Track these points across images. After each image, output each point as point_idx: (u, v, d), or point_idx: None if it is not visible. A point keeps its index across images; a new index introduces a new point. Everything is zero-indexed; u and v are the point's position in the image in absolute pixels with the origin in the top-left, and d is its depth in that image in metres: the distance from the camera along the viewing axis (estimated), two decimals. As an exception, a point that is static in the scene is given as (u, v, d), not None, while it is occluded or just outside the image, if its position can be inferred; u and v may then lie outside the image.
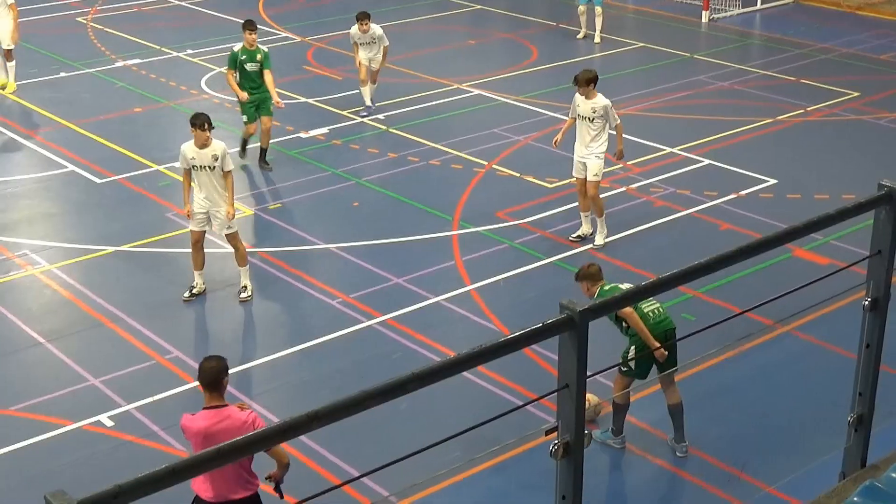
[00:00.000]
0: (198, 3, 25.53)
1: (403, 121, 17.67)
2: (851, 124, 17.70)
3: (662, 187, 15.19)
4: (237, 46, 16.09)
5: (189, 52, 21.68)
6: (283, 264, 13.16)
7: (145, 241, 13.75)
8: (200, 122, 12.23)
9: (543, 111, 18.21)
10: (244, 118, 15.99)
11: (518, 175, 15.64)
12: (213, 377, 7.32)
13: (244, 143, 16.21)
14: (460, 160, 16.19)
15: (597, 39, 22.47)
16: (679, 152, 16.43)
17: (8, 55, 19.47)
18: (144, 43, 22.34)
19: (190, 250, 12.44)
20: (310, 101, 18.82)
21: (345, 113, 18.12)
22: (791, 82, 19.64)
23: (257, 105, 15.87)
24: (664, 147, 16.60)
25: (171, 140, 17.16)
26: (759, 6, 25.00)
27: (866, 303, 5.54)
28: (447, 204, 14.69)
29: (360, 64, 17.87)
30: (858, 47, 21.86)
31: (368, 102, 18.02)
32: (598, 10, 22.35)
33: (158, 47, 22.01)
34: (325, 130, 17.39)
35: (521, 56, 21.41)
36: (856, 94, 18.96)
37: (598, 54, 21.55)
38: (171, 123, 17.99)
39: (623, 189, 15.13)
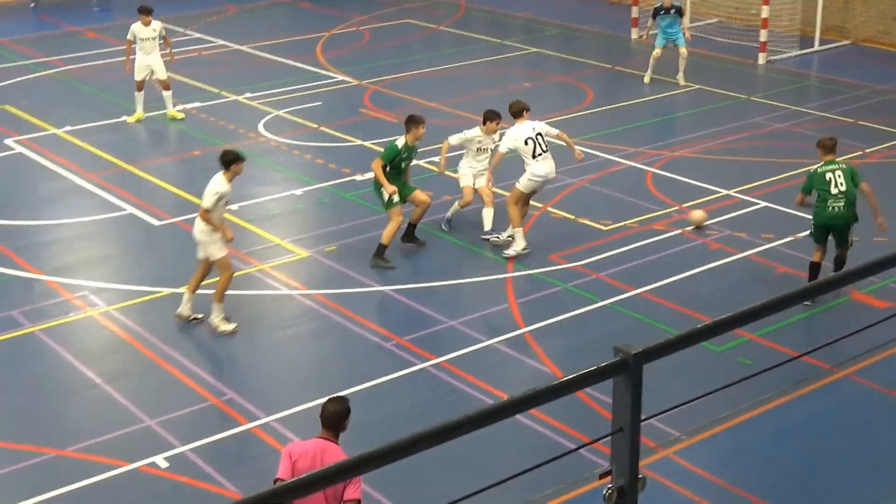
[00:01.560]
0: (257, 48, 25.85)
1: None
2: (911, 166, 17.49)
3: (718, 230, 15.09)
4: (400, 142, 14.38)
5: (248, 95, 21.93)
6: (339, 306, 13.20)
7: (205, 283, 13.84)
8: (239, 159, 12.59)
9: (598, 153, 18.19)
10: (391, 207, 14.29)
11: (573, 217, 15.61)
12: (335, 420, 7.72)
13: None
14: (515, 202, 16.15)
15: (682, 81, 22.23)
16: (735, 195, 16.32)
17: (165, 85, 20.43)
18: (204, 87, 22.63)
19: (240, 290, 12.51)
20: (366, 143, 18.94)
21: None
22: (849, 124, 19.48)
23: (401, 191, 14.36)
24: (720, 189, 16.50)
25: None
26: (815, 48, 24.85)
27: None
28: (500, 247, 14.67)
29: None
30: (917, 89, 21.65)
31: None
32: (683, 51, 22.06)
33: (218, 91, 22.29)
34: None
35: (576, 98, 21.43)
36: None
37: (652, 96, 21.50)
38: (229, 166, 18.14)
39: (679, 231, 15.04)
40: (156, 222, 15.89)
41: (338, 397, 7.93)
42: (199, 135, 19.76)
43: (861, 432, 10.31)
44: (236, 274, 13.96)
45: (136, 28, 20.31)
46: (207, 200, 12.42)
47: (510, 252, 14.28)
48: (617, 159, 17.93)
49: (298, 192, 16.92)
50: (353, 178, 17.37)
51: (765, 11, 23.63)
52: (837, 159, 13.15)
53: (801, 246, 14.48)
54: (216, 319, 12.58)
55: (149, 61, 20.32)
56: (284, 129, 19.93)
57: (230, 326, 12.60)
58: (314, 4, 31.15)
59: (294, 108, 21.08)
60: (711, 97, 21.50)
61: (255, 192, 16.93)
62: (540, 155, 14.42)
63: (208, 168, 18.02)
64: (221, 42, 26.49)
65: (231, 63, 24.74)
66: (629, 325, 12.50)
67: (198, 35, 27.30)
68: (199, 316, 12.86)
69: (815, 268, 12.80)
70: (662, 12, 22.10)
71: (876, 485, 9.31)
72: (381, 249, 14.20)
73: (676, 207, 15.82)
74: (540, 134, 14.58)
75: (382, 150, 14.67)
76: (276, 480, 7.51)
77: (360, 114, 20.82)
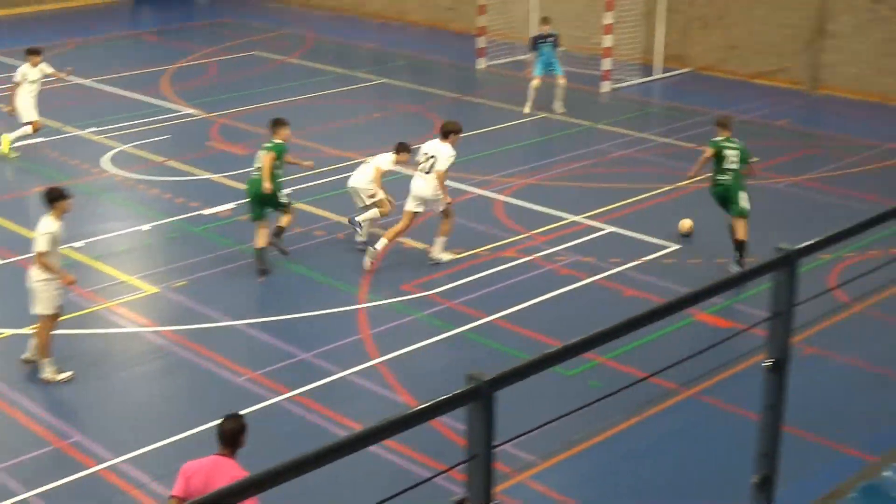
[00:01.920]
0: (101, 81, 25.33)
1: (309, 195, 17.64)
2: (749, 189, 18.01)
3: (566, 256, 15.33)
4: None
5: (92, 130, 21.46)
6: (189, 343, 12.97)
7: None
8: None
9: (448, 183, 18.25)
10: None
11: (424, 247, 15.67)
12: (232, 437, 8.01)
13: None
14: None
15: (559, 110, 22.59)
16: (582, 220, 16.61)
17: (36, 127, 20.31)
18: (46, 121, 22.03)
19: (87, 329, 12.18)
20: (213, 177, 18.71)
21: (250, 188, 18.01)
22: (690, 149, 20.02)
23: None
24: (568, 216, 16.77)
25: (73, 220, 16.89)
26: (657, 76, 25.52)
27: (767, 364, 5.60)
28: (353, 278, 14.64)
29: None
30: (754, 114, 22.39)
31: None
32: (562, 80, 22.44)
33: (60, 126, 21.75)
34: (230, 206, 17.28)
35: (424, 128, 21.53)
36: (754, 159, 19.34)
37: (500, 125, 21.76)
38: (74, 202, 17.65)
39: (529, 258, 15.23)
40: (-4, 261, 15.40)
41: (234, 415, 8.20)
42: (41, 171, 19.23)
43: (708, 449, 10.56)
44: (82, 312, 13.61)
45: (25, 69, 19.93)
46: (40, 244, 11.86)
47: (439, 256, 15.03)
48: (467, 188, 18.08)
49: (146, 227, 16.60)
50: (201, 212, 17.12)
51: (607, 41, 24.21)
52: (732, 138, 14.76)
53: (647, 269, 14.81)
54: (49, 374, 12.12)
55: (30, 102, 19.94)
56: (131, 163, 19.55)
57: (65, 375, 12.17)
58: (159, 37, 30.73)
59: (140, 142, 20.71)
60: (557, 125, 21.88)
61: (100, 228, 16.56)
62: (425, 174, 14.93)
63: (51, 204, 17.59)
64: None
65: (74, 98, 24.17)
66: (482, 353, 12.58)
67: (38, 68, 26.61)
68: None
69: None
70: (541, 41, 22.60)
71: (725, 500, 9.53)
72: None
73: (526, 235, 16.01)
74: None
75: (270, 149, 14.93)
76: (170, 498, 8.00)
77: (207, 147, 20.57)
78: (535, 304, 13.86)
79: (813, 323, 11.93)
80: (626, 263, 15.01)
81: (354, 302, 13.96)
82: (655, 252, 15.43)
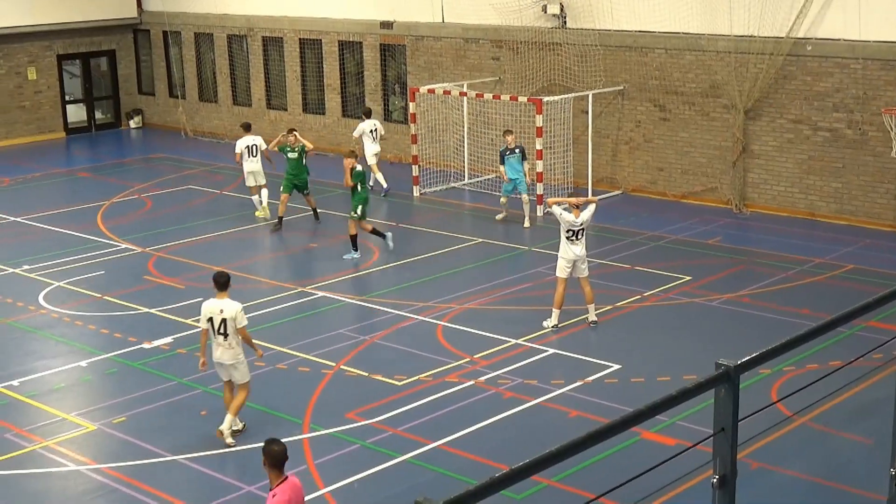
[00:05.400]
0: (34, 219, 25.25)
1: (248, 326, 17.55)
2: (686, 307, 18.33)
3: (510, 378, 15.38)
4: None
5: (26, 267, 21.32)
6: (130, 479, 12.77)
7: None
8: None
9: (389, 309, 18.38)
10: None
11: (366, 374, 15.65)
12: (283, 458, 9.50)
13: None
14: (308, 363, 16.14)
15: (527, 224, 23.64)
16: (524, 343, 16.71)
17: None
18: (-22, 260, 21.89)
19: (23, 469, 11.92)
20: (152, 311, 18.62)
21: (189, 321, 17.95)
22: (626, 270, 20.33)
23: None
24: (508, 339, 16.87)
25: (8, 358, 16.71)
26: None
27: (714, 480, 5.65)
28: (297, 407, 14.57)
29: None
30: (686, 234, 22.81)
31: None
32: (525, 197, 23.57)
33: (-7, 264, 21.60)
34: (169, 340, 17.18)
35: (363, 257, 21.67)
36: (688, 277, 19.71)
37: (439, 251, 21.94)
38: (8, 341, 17.52)
39: (471, 382, 15.25)
40: (-70, 404, 15.11)
41: (275, 439, 9.72)
42: (-26, 310, 19.02)
43: (660, 570, 10.52)
44: (19, 452, 13.38)
45: None
46: (243, 319, 13.50)
47: None
48: (407, 314, 18.16)
49: (84, 363, 16.43)
50: (141, 346, 16.99)
51: (539, 166, 24.65)
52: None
53: (591, 390, 14.89)
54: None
55: None
56: (66, 300, 19.42)
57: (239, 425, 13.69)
58: (93, 174, 30.77)
59: (76, 278, 20.60)
60: (494, 249, 22.12)
61: (37, 366, 16.37)
62: None
63: (-14, 344, 17.37)
64: (-4, 214, 25.79)
65: (6, 235, 24.06)
66: (429, 479, 12.51)
67: (-29, 208, 26.50)
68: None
69: None
70: (508, 153, 23.52)
71: None
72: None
73: (468, 359, 16.07)
74: None
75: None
76: None
77: (144, 281, 20.50)
78: (480, 428, 13.85)
79: (758, 437, 12.03)
80: (569, 385, 15.09)
81: (298, 432, 13.86)
82: (598, 372, 15.53)
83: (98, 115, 37.77)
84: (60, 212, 25.93)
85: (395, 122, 30.99)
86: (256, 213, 24.89)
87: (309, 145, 24.11)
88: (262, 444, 13.17)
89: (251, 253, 22.19)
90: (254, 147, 24.86)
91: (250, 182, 24.92)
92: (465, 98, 27.36)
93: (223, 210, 25.69)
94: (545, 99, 24.92)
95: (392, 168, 29.76)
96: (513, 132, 24.16)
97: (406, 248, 22.47)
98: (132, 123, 37.53)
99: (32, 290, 19.91)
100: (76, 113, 37.21)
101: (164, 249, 22.49)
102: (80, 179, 30.40)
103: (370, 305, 18.72)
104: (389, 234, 21.82)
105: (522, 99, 25.43)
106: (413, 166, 27.04)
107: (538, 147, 24.52)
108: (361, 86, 31.63)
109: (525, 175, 23.64)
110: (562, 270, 17.20)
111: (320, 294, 19.36)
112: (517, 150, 23.58)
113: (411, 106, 27.18)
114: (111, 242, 23.10)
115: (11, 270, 21.25)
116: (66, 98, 36.77)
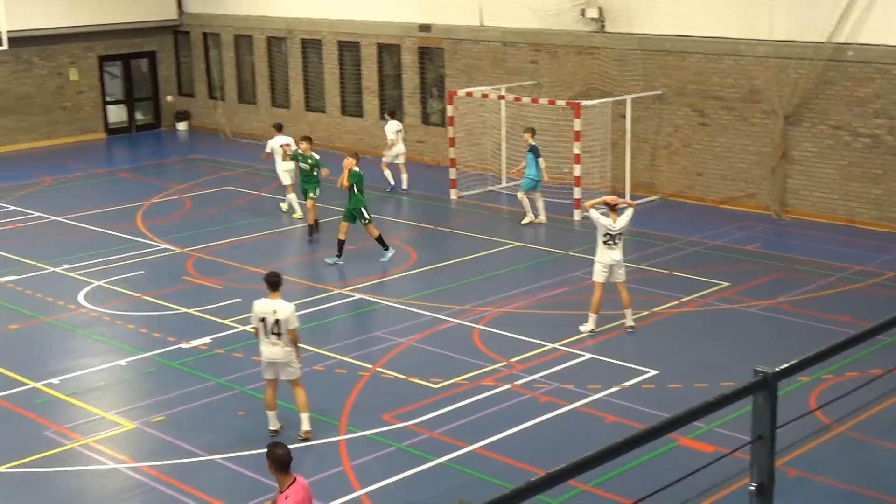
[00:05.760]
0: (75, 218, 25.49)
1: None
2: (724, 313, 18.25)
3: (546, 383, 15.38)
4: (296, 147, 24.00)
5: (66, 266, 21.52)
6: (168, 478, 12.87)
7: (22, 461, 13.35)
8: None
9: (425, 312, 18.42)
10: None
11: (403, 377, 15.70)
12: (287, 460, 9.49)
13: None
14: (345, 364, 16.21)
15: (524, 221, 24.17)
16: (561, 347, 16.70)
17: None
18: (20, 259, 22.13)
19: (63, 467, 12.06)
20: (191, 311, 18.75)
21: (227, 322, 18.07)
22: (664, 275, 20.26)
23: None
24: (546, 343, 16.87)
25: (48, 356, 16.89)
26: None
27: (752, 488, 5.64)
28: (333, 409, 14.63)
29: None
30: (724, 239, 22.71)
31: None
32: (519, 195, 24.30)
33: (34, 263, 21.82)
34: (207, 340, 17.30)
35: (401, 259, 21.73)
36: (726, 283, 19.62)
37: (476, 254, 21.97)
38: (48, 339, 17.70)
39: (508, 386, 15.26)
40: (-29, 401, 15.29)
41: (278, 443, 9.80)
42: (15, 308, 19.23)
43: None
44: (58, 450, 13.53)
45: None
46: (294, 321, 13.50)
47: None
48: (444, 317, 18.19)
49: (123, 362, 16.58)
50: (179, 346, 17.12)
51: (577, 170, 24.62)
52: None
53: (627, 395, 14.87)
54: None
55: None
56: (106, 299, 19.59)
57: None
58: (133, 174, 31.03)
59: (115, 277, 20.78)
60: (532, 253, 22.12)
61: (77, 364, 16.53)
62: None
63: (26, 341, 17.56)
64: (37, 214, 26.05)
65: (48, 234, 24.30)
66: (465, 482, 12.54)
67: (12, 207, 26.79)
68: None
69: None
70: (529, 151, 24.05)
71: None
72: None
73: (504, 362, 16.08)
74: None
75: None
76: None
77: (183, 281, 20.65)
78: (516, 432, 13.86)
79: (796, 445, 11.98)
80: (606, 389, 15.07)
81: (335, 433, 13.93)
82: (635, 377, 15.51)
83: (138, 115, 38.07)
84: (101, 211, 26.16)
85: (432, 125, 31.06)
86: (294, 215, 25.03)
87: (325, 171, 23.41)
88: (298, 443, 13.32)
89: (290, 254, 22.30)
90: (287, 147, 25.12)
91: (286, 180, 25.08)
92: (503, 101, 27.37)
93: (262, 211, 25.82)
94: (583, 103, 24.90)
95: (430, 171, 29.82)
96: (530, 130, 24.47)
97: (443, 251, 22.51)
98: (180, 126, 37.74)
99: (73, 289, 20.11)
100: (117, 114, 37.53)
101: (203, 250, 22.64)
102: (121, 180, 30.66)
103: (407, 308, 18.76)
104: (391, 253, 21.52)
105: (560, 103, 25.41)
106: (450, 169, 27.07)
107: (576, 151, 24.49)
108: (400, 88, 31.71)
109: (535, 172, 23.96)
110: (599, 275, 17.18)
111: (358, 296, 19.43)
112: (529, 148, 24.03)
113: (449, 109, 27.23)
114: (150, 242, 23.28)
115: (52, 269, 21.46)
116: (107, 99, 37.09)
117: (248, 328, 14.06)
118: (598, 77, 26.87)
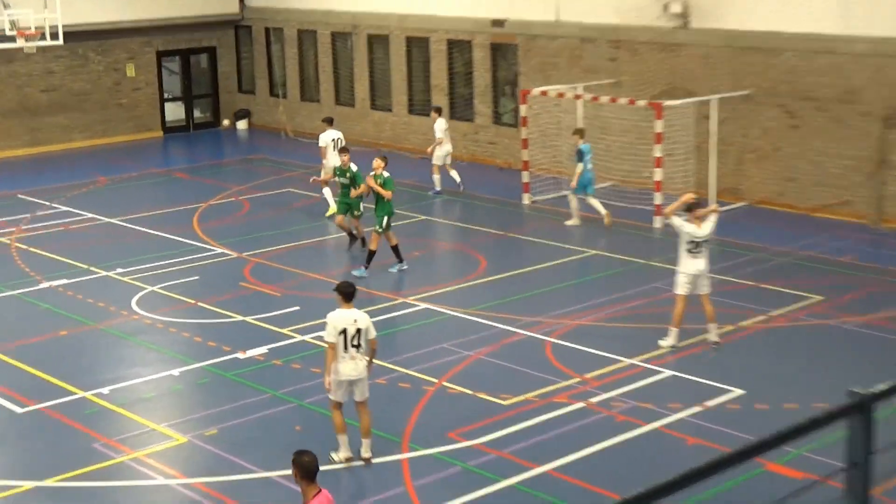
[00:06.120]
0: (129, 220, 25.78)
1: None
2: (816, 329, 17.97)
3: (623, 401, 15.23)
4: (336, 162, 23.22)
5: (119, 271, 21.75)
6: (221, 495, 12.92)
7: (69, 474, 13.48)
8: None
9: (494, 324, 18.35)
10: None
11: (470, 392, 15.64)
12: (314, 469, 9.82)
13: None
14: (408, 378, 16.18)
15: (607, 222, 24.25)
16: (639, 363, 16.54)
17: None
18: (72, 262, 22.42)
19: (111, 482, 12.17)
20: (247, 319, 18.85)
21: (285, 331, 18.14)
22: (751, 287, 20.00)
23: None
24: (623, 358, 16.72)
25: (99, 364, 17.06)
26: (712, 210, 25.61)
27: (846, 519, 5.51)
28: (395, 425, 14.60)
29: None
30: (817, 250, 22.38)
31: None
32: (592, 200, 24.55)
33: (87, 266, 22.09)
34: (264, 350, 17.37)
35: (469, 266, 21.70)
36: (819, 297, 19.32)
37: (548, 263, 21.87)
38: (99, 347, 17.89)
39: (582, 404, 15.14)
40: (18, 409, 15.48)
41: (305, 450, 10.00)
42: (65, 314, 19.46)
43: None
44: (108, 463, 13.64)
45: None
46: (373, 331, 13.51)
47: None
48: (514, 329, 18.10)
49: (175, 372, 16.70)
50: (235, 356, 17.20)
51: (658, 174, 24.42)
52: None
53: (710, 416, 14.68)
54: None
55: None
56: (159, 305, 19.76)
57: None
58: (190, 175, 31.34)
59: (169, 283, 20.97)
60: (609, 262, 21.96)
61: (127, 373, 16.67)
62: None
63: (77, 349, 17.77)
64: (90, 215, 26.39)
65: (101, 237, 24.60)
66: (533, 507, 12.44)
67: (64, 208, 27.18)
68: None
69: None
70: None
71: None
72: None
73: (578, 379, 15.95)
74: None
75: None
76: None
77: (240, 287, 20.77)
78: (590, 453, 13.74)
79: (894, 474, 11.75)
80: (687, 409, 14.88)
81: (397, 451, 13.89)
82: (719, 396, 15.31)
83: (197, 113, 38.48)
84: (155, 213, 26.44)
85: (504, 126, 31.03)
86: (327, 213, 25.26)
87: (363, 187, 21.78)
88: (358, 461, 13.30)
89: (351, 261, 22.32)
90: (339, 140, 25.40)
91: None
92: (579, 101, 27.25)
93: (323, 214, 25.89)
94: (665, 103, 24.70)
95: (501, 174, 29.78)
96: (579, 132, 24.86)
97: (514, 258, 22.43)
98: (239, 125, 38.09)
99: (125, 295, 20.32)
100: (174, 111, 37.96)
101: (262, 255, 22.77)
102: (177, 180, 30.99)
103: (475, 319, 18.70)
104: (405, 266, 21.50)
105: (641, 103, 25.23)
106: (523, 172, 26.99)
107: (657, 154, 24.29)
108: (470, 87, 31.72)
109: (587, 173, 24.35)
110: (681, 286, 17.00)
111: (423, 306, 19.41)
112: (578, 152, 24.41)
113: (523, 109, 27.15)
114: (206, 246, 23.47)
115: (105, 273, 21.70)
116: (165, 96, 37.53)
117: (321, 344, 14.05)
118: (681, 76, 26.65)
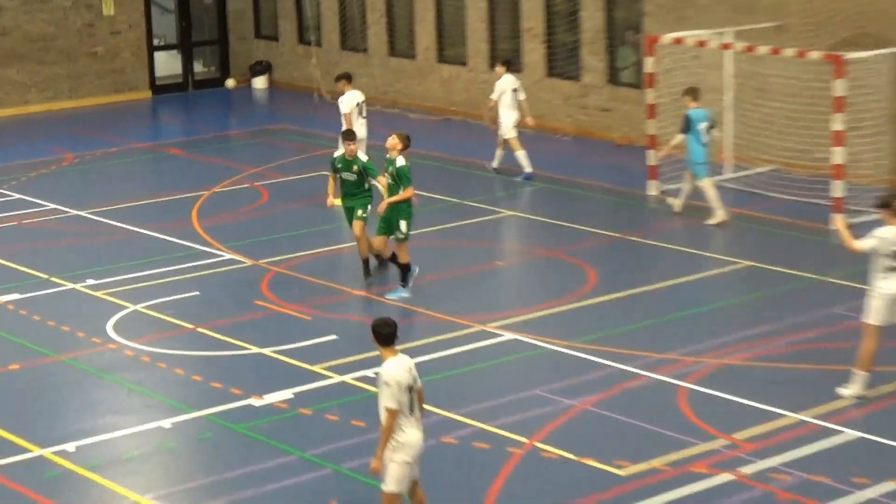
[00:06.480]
0: (105, 213, 25.94)
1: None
2: None
3: (788, 472, 15.07)
4: (337, 153, 22.65)
5: (91, 282, 21.87)
6: None
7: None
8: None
9: (607, 362, 18.24)
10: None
11: (574, 457, 15.54)
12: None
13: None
14: (488, 436, 16.12)
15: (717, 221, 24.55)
16: (811, 420, 16.37)
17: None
18: (27, 270, 22.58)
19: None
20: (265, 351, 18.87)
21: (317, 368, 18.12)
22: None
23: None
24: (787, 413, 16.55)
25: (62, 411, 17.12)
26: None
27: None
28: (471, 499, 14.54)
29: None
30: None
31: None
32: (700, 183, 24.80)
33: (47, 276, 22.23)
34: (288, 395, 17.37)
35: (574, 282, 21.60)
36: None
37: (683, 278, 21.72)
38: (63, 387, 17.96)
39: (731, 476, 14.99)
40: (-49, 472, 15.59)
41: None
42: (17, 340, 19.57)
43: None
44: (73, 549, 13.65)
45: None
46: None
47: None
48: (635, 370, 17.98)
49: (166, 423, 16.74)
50: (248, 401, 17.21)
51: (837, 156, 24.14)
52: None
53: (910, 495, 14.50)
54: None
55: None
56: (145, 331, 19.85)
57: None
58: (188, 152, 31.50)
59: (159, 300, 21.06)
60: (768, 278, 21.77)
61: (101, 424, 16.73)
62: None
63: (32, 389, 17.84)
64: (52, 206, 26.60)
65: (67, 236, 24.76)
66: None
67: (17, 195, 27.43)
68: None
69: None
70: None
71: None
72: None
73: (725, 440, 15.80)
74: None
75: None
76: None
77: (255, 307, 20.81)
78: (742, 545, 13.65)
79: None
80: (878, 485, 14.69)
81: (473, 540, 13.87)
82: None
83: (198, 67, 38.73)
84: (141, 204, 26.63)
85: (622, 86, 31.03)
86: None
87: (382, 180, 21.64)
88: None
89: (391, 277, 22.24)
90: (362, 106, 25.73)
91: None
92: (728, 52, 27.05)
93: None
94: (850, 55, 24.43)
95: (618, 153, 29.66)
96: (691, 92, 25.04)
97: (636, 272, 22.29)
98: (256, 83, 38.23)
99: (99, 316, 20.41)
100: (168, 64, 38.27)
101: (284, 263, 22.82)
102: (171, 158, 31.18)
103: (581, 355, 18.60)
104: (405, 294, 21.14)
105: (815, 55, 24.99)
106: (649, 151, 26.86)
107: (837, 127, 24.05)
108: (575, 33, 31.65)
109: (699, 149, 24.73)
110: (875, 314, 16.78)
111: (507, 335, 19.33)
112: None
113: (649, 62, 27.03)
114: (210, 251, 23.55)
115: (72, 286, 21.83)
116: (155, 43, 37.78)
117: (365, 387, 13.82)
118: (872, 17, 26.40)
